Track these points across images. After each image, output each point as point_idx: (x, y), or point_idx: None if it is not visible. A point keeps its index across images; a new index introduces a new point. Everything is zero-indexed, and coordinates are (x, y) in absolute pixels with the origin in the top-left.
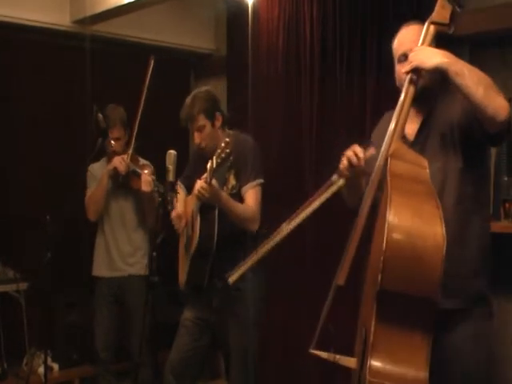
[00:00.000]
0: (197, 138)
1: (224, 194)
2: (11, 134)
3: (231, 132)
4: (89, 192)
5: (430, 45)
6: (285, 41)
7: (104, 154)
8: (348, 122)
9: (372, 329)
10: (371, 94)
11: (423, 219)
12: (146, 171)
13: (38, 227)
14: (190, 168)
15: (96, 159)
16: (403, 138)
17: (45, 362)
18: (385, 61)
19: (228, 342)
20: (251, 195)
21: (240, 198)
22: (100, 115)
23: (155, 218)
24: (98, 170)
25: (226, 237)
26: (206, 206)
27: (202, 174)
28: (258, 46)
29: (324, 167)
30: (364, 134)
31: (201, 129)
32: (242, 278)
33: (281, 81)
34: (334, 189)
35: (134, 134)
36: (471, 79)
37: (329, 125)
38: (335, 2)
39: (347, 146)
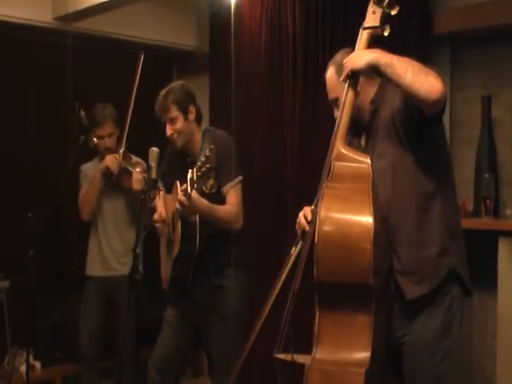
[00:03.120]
0: (168, 129)
1: (205, 203)
2: None
3: (208, 129)
4: (82, 192)
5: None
6: (267, 38)
7: (88, 151)
8: (329, 120)
9: (316, 320)
10: None
11: (351, 209)
12: (137, 169)
13: (19, 224)
14: (165, 164)
15: (85, 159)
16: (359, 146)
17: (27, 361)
18: None
19: (211, 339)
20: (233, 194)
21: (219, 197)
22: (82, 112)
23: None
24: (90, 170)
25: (209, 238)
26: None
27: (177, 171)
28: (240, 44)
29: (305, 163)
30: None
31: (173, 120)
32: (223, 275)
33: (263, 78)
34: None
35: (126, 131)
36: (400, 67)
37: (311, 122)
38: (317, 0)
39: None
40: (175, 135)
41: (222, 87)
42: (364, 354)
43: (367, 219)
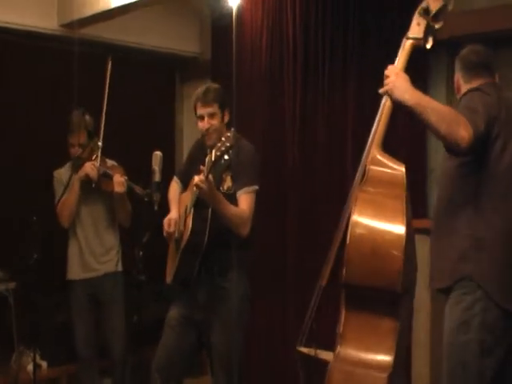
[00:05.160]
0: (206, 123)
1: (218, 194)
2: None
3: (235, 134)
4: (58, 198)
5: (406, 61)
6: (268, 44)
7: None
8: (329, 123)
9: (342, 319)
10: (352, 96)
11: (385, 216)
12: (117, 172)
13: (24, 228)
14: (187, 163)
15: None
16: None
17: (33, 360)
18: (365, 66)
19: (212, 339)
20: (245, 200)
21: (235, 200)
22: (87, 117)
23: (129, 216)
24: (63, 176)
25: (217, 236)
26: (201, 204)
27: (199, 169)
28: (241, 50)
29: (305, 165)
30: (345, 134)
31: (212, 116)
32: (226, 277)
33: (264, 83)
34: None
35: (101, 135)
36: (434, 117)
37: (311, 125)
38: (317, 7)
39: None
40: (211, 129)
41: None
42: (388, 359)
43: (400, 227)
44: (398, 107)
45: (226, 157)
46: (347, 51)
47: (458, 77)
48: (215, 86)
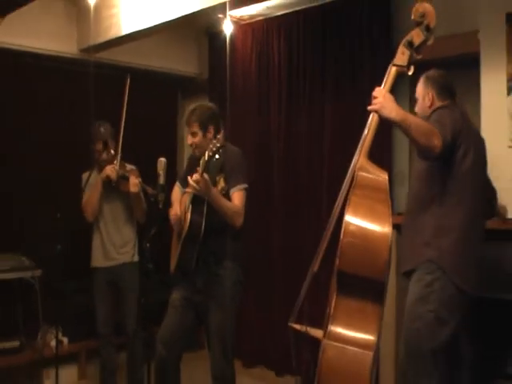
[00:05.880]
0: (189, 140)
1: (214, 189)
2: (31, 143)
3: (223, 140)
4: (85, 197)
5: (391, 85)
6: (257, 67)
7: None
8: (309, 132)
9: (333, 302)
10: (329, 109)
11: (374, 217)
12: (133, 175)
13: (50, 222)
14: (185, 171)
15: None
16: None
17: (56, 337)
18: (341, 84)
19: (209, 319)
20: (237, 196)
21: (228, 200)
22: (102, 129)
23: (144, 213)
24: (91, 178)
25: (212, 228)
26: (197, 200)
27: (196, 170)
28: (234, 71)
29: (289, 170)
30: (322, 142)
31: (193, 134)
32: (221, 265)
33: (254, 99)
34: None
35: (120, 144)
36: (416, 132)
37: (294, 135)
38: (299, 37)
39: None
40: (194, 146)
41: (219, 106)
42: (373, 338)
43: (387, 228)
44: (385, 123)
45: (217, 156)
46: (325, 74)
47: (433, 94)
48: (201, 107)
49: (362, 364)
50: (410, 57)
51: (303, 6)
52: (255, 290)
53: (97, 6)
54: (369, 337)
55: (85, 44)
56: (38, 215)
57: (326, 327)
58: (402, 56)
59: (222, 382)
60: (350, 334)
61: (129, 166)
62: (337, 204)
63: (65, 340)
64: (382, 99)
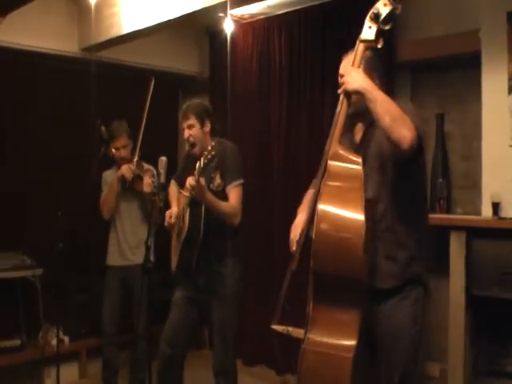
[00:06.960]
0: (186, 133)
1: (209, 193)
2: (31, 142)
3: (218, 139)
4: (103, 195)
5: (360, 61)
6: (257, 65)
7: (108, 160)
8: (309, 129)
9: (311, 306)
10: (330, 109)
11: (346, 207)
12: (147, 175)
13: (51, 221)
14: (181, 169)
15: (108, 167)
16: (352, 142)
17: (57, 336)
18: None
19: (211, 317)
20: (234, 193)
21: (225, 195)
22: (103, 128)
23: (157, 214)
24: (109, 176)
25: (211, 229)
26: (195, 202)
27: (191, 173)
28: (235, 69)
29: (289, 167)
30: (322, 141)
31: (190, 127)
32: (222, 263)
33: (254, 97)
34: None
35: (139, 143)
36: (381, 107)
37: (294, 134)
38: (300, 36)
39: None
40: (191, 139)
41: (220, 105)
42: (352, 343)
43: (360, 216)
44: (357, 106)
45: (212, 163)
46: (325, 74)
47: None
48: (195, 102)
49: (342, 368)
50: (378, 30)
51: (304, 5)
52: (255, 288)
53: (98, 5)
54: (347, 342)
55: (86, 43)
56: (38, 214)
57: (306, 331)
58: (368, 30)
59: (225, 379)
60: (329, 338)
61: (146, 166)
62: (313, 196)
63: (66, 339)
64: (349, 73)
